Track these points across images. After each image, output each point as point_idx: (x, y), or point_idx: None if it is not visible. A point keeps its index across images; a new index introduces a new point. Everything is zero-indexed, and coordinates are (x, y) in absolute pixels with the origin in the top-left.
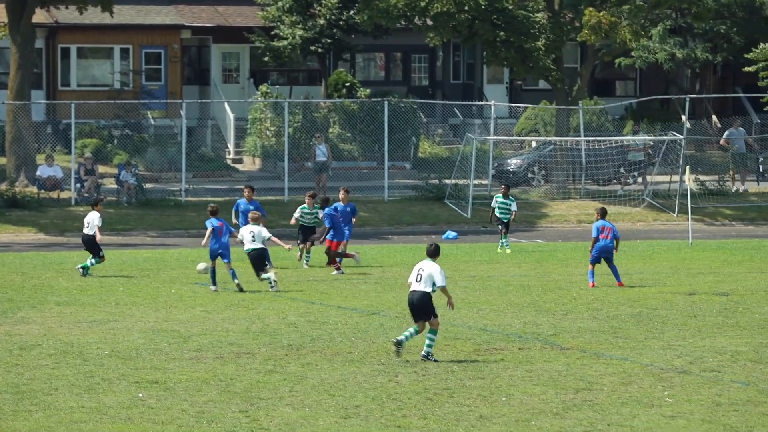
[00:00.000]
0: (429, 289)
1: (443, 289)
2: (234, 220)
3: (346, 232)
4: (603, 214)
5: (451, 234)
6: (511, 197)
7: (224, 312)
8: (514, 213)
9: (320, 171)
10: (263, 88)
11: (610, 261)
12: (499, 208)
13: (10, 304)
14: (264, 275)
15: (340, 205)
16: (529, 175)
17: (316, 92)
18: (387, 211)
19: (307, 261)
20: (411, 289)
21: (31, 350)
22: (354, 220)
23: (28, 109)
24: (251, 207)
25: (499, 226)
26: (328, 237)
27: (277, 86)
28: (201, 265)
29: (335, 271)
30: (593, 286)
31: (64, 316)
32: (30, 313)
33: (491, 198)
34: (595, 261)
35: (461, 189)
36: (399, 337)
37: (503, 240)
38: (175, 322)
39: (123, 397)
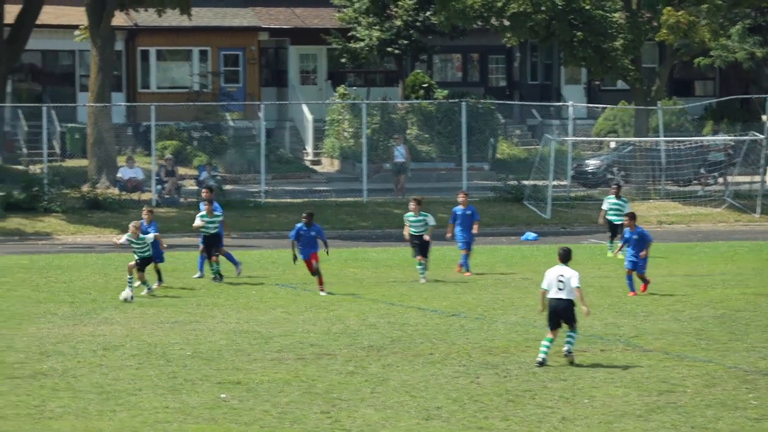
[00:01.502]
0: (573, 297)
1: (578, 289)
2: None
3: (467, 238)
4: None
5: (530, 235)
6: (623, 198)
7: (305, 313)
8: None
9: (399, 172)
10: (341, 89)
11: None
12: (611, 209)
13: (93, 304)
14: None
15: (459, 208)
16: (608, 176)
17: (393, 93)
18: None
19: (423, 274)
20: (553, 297)
21: (114, 351)
22: (475, 225)
23: (108, 111)
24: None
25: (610, 231)
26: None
27: (355, 87)
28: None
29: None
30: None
31: (146, 317)
32: (113, 313)
33: (570, 199)
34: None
35: (540, 190)
36: (540, 358)
37: (612, 243)
38: (256, 324)
39: (206, 397)
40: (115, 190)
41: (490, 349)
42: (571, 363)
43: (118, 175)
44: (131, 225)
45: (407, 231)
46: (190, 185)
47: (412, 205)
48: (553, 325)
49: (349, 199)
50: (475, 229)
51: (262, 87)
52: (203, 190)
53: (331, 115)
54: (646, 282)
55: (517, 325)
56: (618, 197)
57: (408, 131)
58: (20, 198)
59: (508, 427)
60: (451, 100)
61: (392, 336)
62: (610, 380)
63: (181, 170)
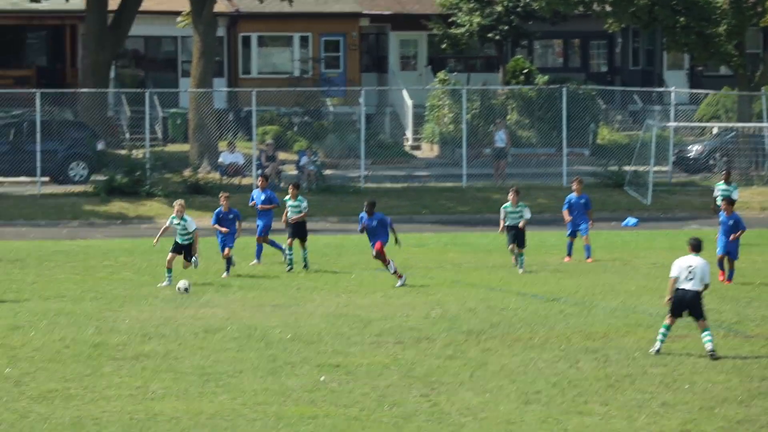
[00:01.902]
0: (701, 288)
1: (707, 286)
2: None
3: (583, 225)
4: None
5: (631, 221)
6: (734, 183)
7: (404, 297)
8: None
9: (499, 157)
10: (441, 75)
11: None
12: (722, 195)
13: (194, 288)
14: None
15: (573, 196)
16: (710, 162)
17: (493, 79)
18: (565, 197)
19: (521, 266)
20: (681, 287)
21: (215, 333)
22: (590, 214)
23: (210, 96)
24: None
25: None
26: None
27: (455, 73)
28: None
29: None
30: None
31: (247, 301)
32: (214, 297)
33: (671, 185)
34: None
35: (641, 176)
36: (657, 346)
37: None
38: (355, 307)
39: (305, 380)
40: (216, 175)
41: (589, 334)
42: (716, 359)
43: (219, 160)
44: (176, 203)
45: (502, 224)
46: (291, 170)
47: (511, 196)
48: (676, 314)
49: (448, 184)
50: (589, 218)
51: (363, 73)
52: (259, 178)
53: (431, 101)
54: (731, 271)
55: (617, 310)
56: (728, 183)
57: (508, 117)
58: (123, 182)
59: (608, 412)
60: (551, 86)
61: (491, 321)
62: (711, 366)
63: (282, 155)
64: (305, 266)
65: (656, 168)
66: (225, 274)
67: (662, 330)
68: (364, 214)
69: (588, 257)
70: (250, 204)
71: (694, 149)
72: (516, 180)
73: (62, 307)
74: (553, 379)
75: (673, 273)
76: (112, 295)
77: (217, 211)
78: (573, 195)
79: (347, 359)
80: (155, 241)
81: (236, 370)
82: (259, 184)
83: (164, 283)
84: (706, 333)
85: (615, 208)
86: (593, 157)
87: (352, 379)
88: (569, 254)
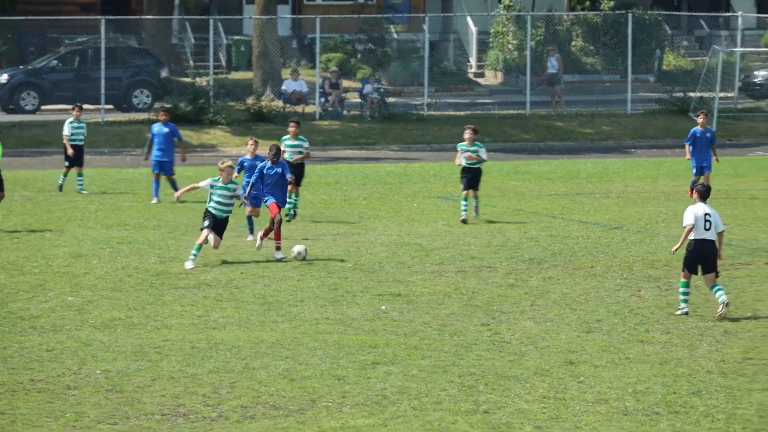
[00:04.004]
0: (715, 238)
1: (722, 234)
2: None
3: (706, 163)
4: None
5: None
6: None
7: (466, 227)
8: None
9: (552, 83)
10: (506, 1)
11: None
12: None
13: (258, 218)
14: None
15: (698, 129)
16: None
17: (559, 5)
18: (630, 124)
19: (465, 210)
20: (700, 237)
21: (276, 262)
22: (714, 148)
23: (274, 23)
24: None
25: None
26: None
27: None
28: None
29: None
30: None
31: (308, 229)
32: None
33: (737, 111)
34: None
35: (706, 102)
36: (684, 309)
37: None
38: (417, 236)
39: (366, 309)
40: (280, 103)
41: (651, 263)
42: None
43: (283, 87)
44: (224, 165)
45: (459, 159)
46: (354, 98)
47: (467, 134)
48: (693, 268)
49: (512, 111)
50: (713, 153)
51: None
52: (161, 112)
53: (495, 28)
54: None
55: (679, 238)
56: None
57: (573, 43)
58: (186, 110)
59: (669, 340)
60: (617, 12)
61: (553, 249)
62: None
63: (345, 83)
64: (293, 215)
65: (722, 94)
66: (250, 236)
67: (682, 290)
68: (266, 162)
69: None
70: (149, 137)
71: (761, 75)
72: (579, 107)
73: (125, 236)
74: (615, 308)
75: (689, 220)
76: (174, 224)
77: (242, 159)
78: (698, 128)
79: (408, 288)
80: (177, 195)
81: (297, 299)
82: (161, 117)
83: (189, 265)
84: (718, 286)
85: (679, 135)
86: (658, 84)
87: (413, 308)
88: (692, 191)
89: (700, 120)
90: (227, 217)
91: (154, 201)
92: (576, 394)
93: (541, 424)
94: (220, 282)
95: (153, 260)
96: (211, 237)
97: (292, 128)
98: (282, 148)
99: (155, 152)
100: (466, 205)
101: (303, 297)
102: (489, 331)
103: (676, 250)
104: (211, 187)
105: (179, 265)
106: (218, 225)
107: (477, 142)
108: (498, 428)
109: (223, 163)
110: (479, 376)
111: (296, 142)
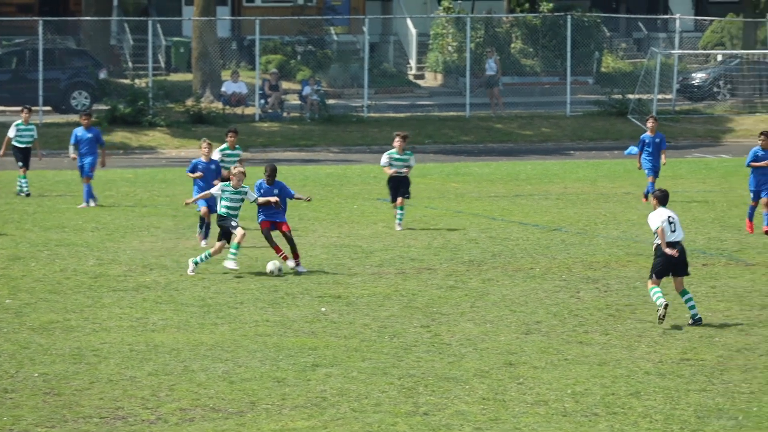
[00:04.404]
0: (682, 239)
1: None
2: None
3: (652, 163)
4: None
5: (633, 149)
6: None
7: (406, 228)
8: None
9: (490, 85)
10: (445, 3)
11: None
12: None
13: (196, 218)
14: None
15: (648, 135)
16: (715, 90)
17: (498, 7)
18: (569, 126)
19: (401, 220)
20: (668, 241)
21: (216, 264)
22: (663, 153)
23: (213, 25)
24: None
25: None
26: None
27: (460, 1)
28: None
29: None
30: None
31: (250, 231)
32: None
33: (675, 113)
34: None
35: (645, 104)
36: (662, 305)
37: None
38: (357, 238)
39: (306, 311)
40: (219, 105)
41: (590, 264)
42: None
43: (222, 89)
44: (236, 170)
45: (389, 170)
46: (294, 100)
47: (397, 142)
48: (665, 274)
49: (451, 113)
50: (662, 159)
51: (367, 1)
52: (82, 116)
53: (435, 29)
54: None
55: (619, 239)
56: None
57: (512, 45)
58: (125, 112)
59: (608, 341)
60: (556, 14)
61: (493, 251)
62: (711, 294)
63: (285, 85)
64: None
65: (660, 96)
66: (202, 240)
67: (654, 291)
68: (262, 181)
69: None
70: (72, 144)
71: (698, 77)
72: (519, 109)
73: (63, 238)
74: (554, 309)
75: (656, 224)
76: (113, 226)
77: (196, 161)
78: (647, 135)
79: (348, 290)
80: (190, 201)
81: (237, 301)
82: (83, 121)
83: (231, 264)
84: (689, 296)
85: (618, 137)
86: (597, 86)
87: (353, 310)
88: (646, 196)
89: (649, 125)
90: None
91: (84, 205)
92: (515, 395)
93: (481, 425)
94: (159, 284)
95: (91, 262)
96: (218, 243)
97: (231, 138)
98: (219, 158)
99: (79, 158)
100: (401, 214)
101: (243, 299)
102: (429, 332)
103: (659, 249)
104: (222, 191)
105: (118, 268)
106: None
107: (407, 150)
108: (438, 430)
109: (234, 167)
110: (419, 378)
111: (236, 152)
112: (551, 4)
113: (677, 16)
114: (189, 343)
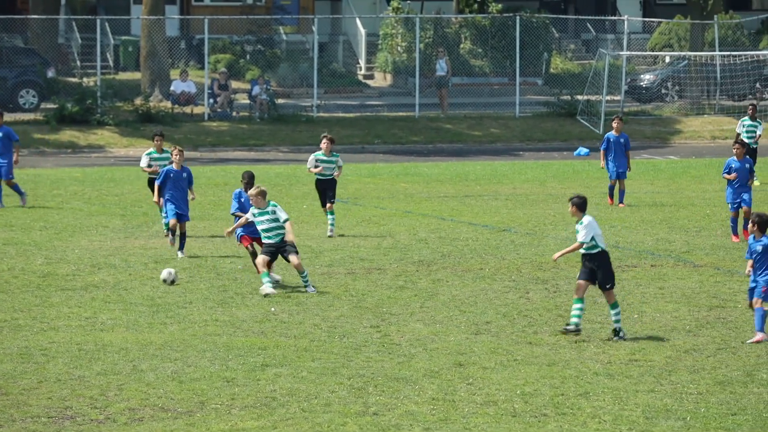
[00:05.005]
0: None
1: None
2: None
3: (622, 169)
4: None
5: (582, 150)
6: (758, 119)
7: (355, 228)
8: (757, 137)
9: (440, 86)
10: (395, 3)
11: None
12: (746, 132)
13: (144, 218)
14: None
15: (612, 135)
16: (663, 91)
17: (447, 7)
18: (518, 127)
19: (332, 225)
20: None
21: (165, 264)
22: (628, 154)
23: (162, 24)
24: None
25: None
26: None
27: (409, 1)
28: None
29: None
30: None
31: (197, 231)
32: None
33: (623, 114)
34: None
35: (593, 105)
36: (571, 323)
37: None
38: (306, 238)
39: (256, 311)
40: (168, 104)
41: (540, 265)
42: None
43: (171, 88)
44: (254, 192)
45: (316, 170)
46: (243, 99)
47: (324, 144)
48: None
49: (401, 113)
50: (628, 163)
51: (316, 0)
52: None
53: (384, 30)
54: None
55: (568, 240)
56: (753, 119)
57: (461, 46)
58: (73, 111)
59: (557, 342)
60: (505, 14)
61: (442, 251)
62: (660, 296)
63: (234, 84)
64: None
65: (608, 97)
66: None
67: (579, 305)
68: (240, 190)
69: (621, 202)
70: None
71: (647, 78)
72: (468, 109)
73: (11, 237)
74: (503, 310)
75: (586, 237)
76: (61, 225)
77: (167, 169)
78: (612, 134)
79: (298, 290)
80: (229, 231)
81: (186, 301)
82: None
83: (268, 289)
84: (616, 309)
85: (567, 138)
86: (546, 87)
87: (303, 310)
88: (611, 197)
89: (614, 125)
90: (282, 237)
91: (22, 204)
92: (465, 395)
93: (431, 425)
94: (108, 284)
95: (40, 262)
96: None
97: (158, 142)
98: (146, 162)
99: None
100: (332, 219)
101: (192, 299)
102: (378, 333)
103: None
104: (254, 216)
105: (66, 267)
106: (280, 248)
107: (334, 152)
108: (387, 430)
109: (253, 189)
110: (369, 378)
111: (164, 155)
112: (500, 5)
113: (625, 17)
114: (138, 342)
